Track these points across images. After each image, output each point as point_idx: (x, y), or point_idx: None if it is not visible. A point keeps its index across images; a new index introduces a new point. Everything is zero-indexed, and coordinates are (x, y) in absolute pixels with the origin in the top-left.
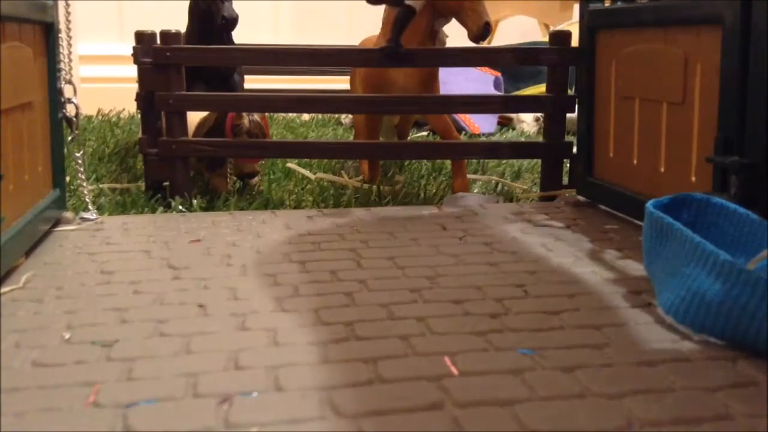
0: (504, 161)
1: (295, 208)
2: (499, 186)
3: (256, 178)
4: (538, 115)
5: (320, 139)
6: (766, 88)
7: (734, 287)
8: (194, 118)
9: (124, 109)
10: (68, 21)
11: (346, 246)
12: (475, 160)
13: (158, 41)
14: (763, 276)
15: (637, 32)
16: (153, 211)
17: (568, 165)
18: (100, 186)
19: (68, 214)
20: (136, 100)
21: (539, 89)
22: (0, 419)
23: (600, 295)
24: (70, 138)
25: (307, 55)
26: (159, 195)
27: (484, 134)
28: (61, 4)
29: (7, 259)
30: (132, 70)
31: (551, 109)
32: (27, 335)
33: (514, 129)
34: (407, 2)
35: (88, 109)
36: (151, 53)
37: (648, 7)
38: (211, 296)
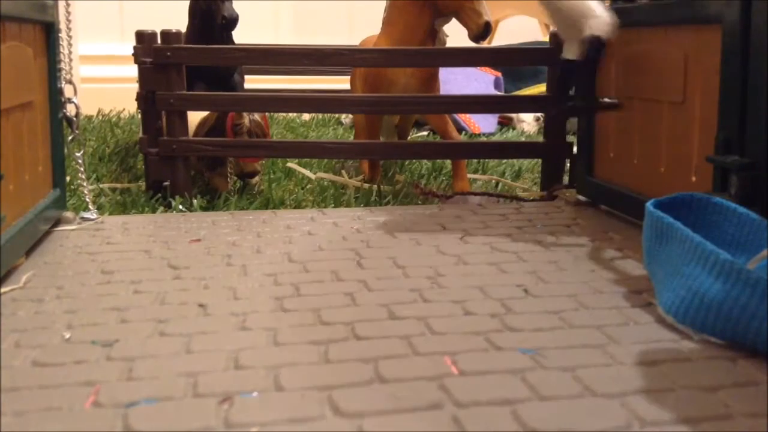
0: (504, 161)
1: (296, 207)
2: (500, 186)
3: (257, 178)
4: (538, 115)
5: (320, 139)
6: (766, 88)
7: (734, 287)
8: (195, 117)
9: (124, 109)
10: (68, 21)
11: (346, 246)
12: (475, 160)
13: (159, 41)
14: (763, 276)
15: (637, 32)
16: (153, 210)
17: (568, 165)
18: (101, 186)
19: (68, 214)
20: (136, 99)
21: (539, 89)
22: (0, 419)
23: (600, 294)
24: (70, 138)
25: (307, 55)
26: (159, 195)
27: (484, 134)
28: (61, 4)
29: (7, 258)
30: (132, 70)
31: (551, 109)
32: (27, 335)
33: (514, 129)
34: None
35: (88, 109)
36: (152, 53)
37: (648, 7)
38: (211, 296)
